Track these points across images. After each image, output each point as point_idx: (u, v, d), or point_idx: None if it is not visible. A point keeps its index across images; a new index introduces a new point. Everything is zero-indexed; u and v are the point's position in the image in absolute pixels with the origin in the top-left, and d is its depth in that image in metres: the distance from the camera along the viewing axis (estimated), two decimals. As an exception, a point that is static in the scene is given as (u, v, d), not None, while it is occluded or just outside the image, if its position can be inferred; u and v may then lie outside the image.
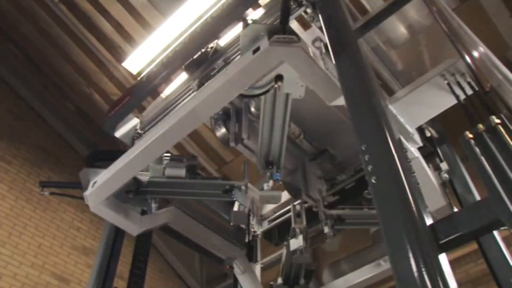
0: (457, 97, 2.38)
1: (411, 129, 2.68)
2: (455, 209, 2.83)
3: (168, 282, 8.11)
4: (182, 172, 3.04)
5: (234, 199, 2.85)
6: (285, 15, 2.28)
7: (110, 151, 3.24)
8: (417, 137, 2.73)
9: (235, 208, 3.34)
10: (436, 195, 2.72)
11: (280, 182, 2.65)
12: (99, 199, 2.85)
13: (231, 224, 3.25)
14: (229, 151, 7.34)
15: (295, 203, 3.66)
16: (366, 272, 3.40)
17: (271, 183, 2.61)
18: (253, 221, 3.93)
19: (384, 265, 3.32)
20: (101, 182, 2.79)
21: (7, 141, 6.78)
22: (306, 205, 3.46)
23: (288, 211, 3.75)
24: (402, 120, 2.61)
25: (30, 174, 6.80)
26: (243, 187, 2.86)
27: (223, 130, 3.01)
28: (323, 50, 2.51)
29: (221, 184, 2.95)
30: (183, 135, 2.70)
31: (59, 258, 6.53)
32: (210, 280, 8.29)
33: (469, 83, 2.35)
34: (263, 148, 2.70)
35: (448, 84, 2.44)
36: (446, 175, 2.95)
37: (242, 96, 2.45)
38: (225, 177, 6.19)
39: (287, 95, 2.44)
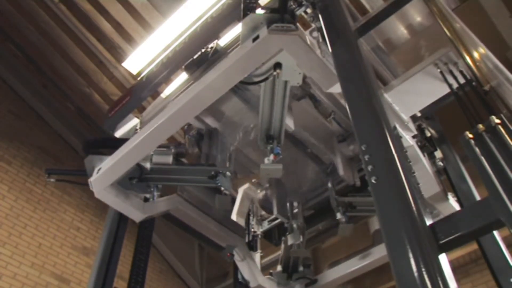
0: (450, 85, 2.40)
1: (406, 117, 2.71)
2: (451, 199, 2.85)
3: (168, 282, 8.11)
4: (169, 159, 3.09)
5: (219, 184, 2.91)
6: (283, 4, 2.34)
7: (106, 139, 3.27)
8: (411, 125, 2.76)
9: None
10: (430, 181, 2.74)
11: (281, 156, 2.67)
12: (103, 185, 2.90)
13: (217, 208, 3.30)
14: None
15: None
16: (360, 261, 3.42)
17: (271, 157, 2.64)
18: (253, 221, 3.96)
19: (377, 253, 3.33)
20: (106, 169, 2.84)
21: (7, 141, 6.78)
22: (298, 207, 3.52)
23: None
24: (397, 108, 2.65)
25: (30, 174, 6.80)
26: (227, 173, 2.95)
27: (196, 150, 3.23)
28: (320, 40, 2.55)
29: (207, 170, 3.00)
30: (186, 121, 2.78)
31: (59, 258, 6.53)
32: (210, 280, 8.29)
33: (461, 72, 2.37)
34: (264, 122, 2.72)
35: (441, 72, 2.46)
36: (440, 163, 3.00)
37: (242, 83, 2.51)
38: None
39: (286, 82, 2.51)
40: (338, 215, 3.10)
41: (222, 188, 2.94)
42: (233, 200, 3.98)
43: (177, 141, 3.52)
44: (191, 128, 3.32)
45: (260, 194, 3.85)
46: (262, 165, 2.62)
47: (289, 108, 2.89)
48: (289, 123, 3.03)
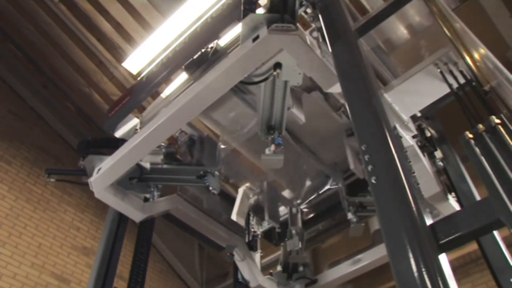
0: (450, 85, 2.40)
1: (406, 117, 2.71)
2: (451, 199, 2.85)
3: (168, 282, 8.11)
4: (158, 158, 3.12)
5: (207, 184, 2.94)
6: (284, 4, 2.33)
7: (100, 139, 3.28)
8: (411, 125, 2.76)
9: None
10: (430, 181, 2.74)
11: (282, 147, 2.67)
12: (103, 185, 2.90)
13: (205, 208, 3.33)
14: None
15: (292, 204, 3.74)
16: (360, 261, 3.42)
17: (272, 147, 2.63)
18: (253, 221, 3.96)
19: (377, 253, 3.34)
20: (106, 169, 2.85)
21: (7, 141, 6.78)
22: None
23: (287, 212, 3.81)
24: (397, 108, 2.65)
25: (30, 174, 6.80)
26: (216, 173, 3.00)
27: (188, 157, 3.26)
28: (320, 40, 2.55)
29: (196, 169, 3.03)
30: (186, 121, 2.77)
31: (59, 258, 6.53)
32: (210, 280, 8.29)
33: (461, 72, 2.38)
34: (264, 113, 2.71)
35: (441, 72, 2.46)
36: (440, 163, 3.00)
37: (242, 83, 2.52)
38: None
39: (286, 82, 2.51)
40: (349, 215, 3.10)
41: (210, 188, 2.96)
42: (233, 200, 3.99)
43: (176, 141, 3.53)
44: (183, 134, 3.33)
45: (252, 199, 3.86)
46: (263, 156, 2.61)
47: (300, 101, 2.88)
48: (300, 116, 3.02)
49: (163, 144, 3.20)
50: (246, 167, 3.71)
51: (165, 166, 3.14)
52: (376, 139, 1.57)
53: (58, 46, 7.10)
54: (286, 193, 3.95)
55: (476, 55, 2.08)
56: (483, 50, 2.37)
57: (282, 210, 3.94)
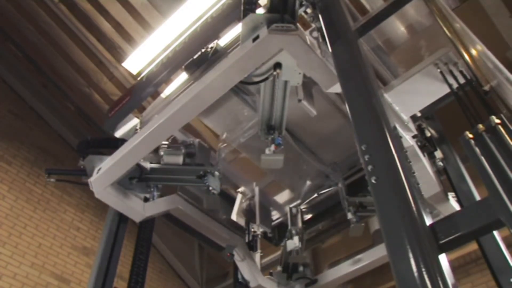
0: (450, 85, 2.40)
1: (406, 117, 2.71)
2: (451, 199, 2.85)
3: (168, 282, 8.11)
4: (179, 159, 3.14)
5: (207, 184, 2.95)
6: (284, 4, 2.34)
7: (100, 139, 3.29)
8: (411, 125, 2.76)
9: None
10: (430, 181, 2.74)
11: (282, 147, 2.66)
12: (103, 185, 2.90)
13: (205, 208, 3.33)
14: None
15: (292, 205, 3.75)
16: (360, 261, 3.42)
17: (272, 147, 2.63)
18: (253, 221, 3.96)
19: (377, 253, 3.33)
20: (106, 169, 2.85)
21: (7, 141, 6.78)
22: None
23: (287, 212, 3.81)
24: (397, 108, 2.65)
25: (30, 174, 6.80)
26: (216, 173, 3.01)
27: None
28: (320, 40, 2.55)
29: (196, 169, 3.05)
30: (186, 120, 2.77)
31: (59, 258, 6.52)
32: (210, 280, 8.29)
33: (461, 72, 2.38)
34: (264, 113, 2.71)
35: (441, 72, 2.47)
36: (440, 163, 3.00)
37: (242, 83, 2.52)
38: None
39: (286, 82, 2.51)
40: (349, 215, 3.10)
41: (210, 188, 2.97)
42: (233, 200, 3.99)
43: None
44: (175, 141, 3.33)
45: (244, 204, 3.87)
46: (263, 156, 2.60)
47: (311, 93, 2.89)
48: (311, 108, 3.02)
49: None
50: (237, 172, 3.73)
51: (164, 166, 3.14)
52: (376, 139, 1.57)
53: (58, 46, 7.10)
54: (286, 194, 3.96)
55: (476, 55, 2.08)
56: (483, 50, 2.37)
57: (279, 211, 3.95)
